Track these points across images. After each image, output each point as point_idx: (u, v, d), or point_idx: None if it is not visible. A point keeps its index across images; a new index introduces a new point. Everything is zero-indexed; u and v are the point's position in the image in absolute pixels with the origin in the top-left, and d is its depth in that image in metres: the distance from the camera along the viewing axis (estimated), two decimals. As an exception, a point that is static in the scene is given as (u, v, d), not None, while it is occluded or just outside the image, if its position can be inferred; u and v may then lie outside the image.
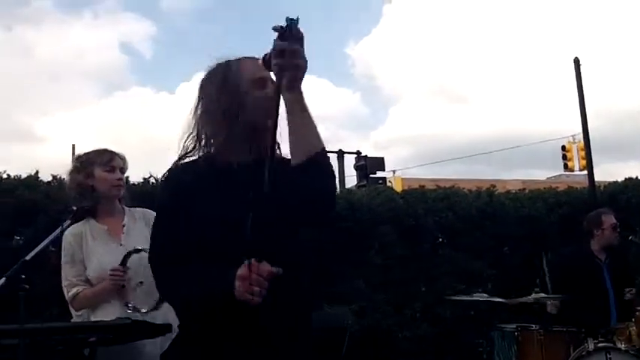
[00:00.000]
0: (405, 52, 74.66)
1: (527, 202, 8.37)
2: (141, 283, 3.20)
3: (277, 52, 1.92)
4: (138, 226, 3.33)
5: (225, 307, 1.90)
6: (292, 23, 1.87)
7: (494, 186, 8.62)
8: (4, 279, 2.64)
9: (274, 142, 1.96)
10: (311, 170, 1.97)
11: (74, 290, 3.24)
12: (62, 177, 6.52)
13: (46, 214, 5.79)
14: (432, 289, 7.16)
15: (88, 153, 3.38)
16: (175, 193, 2.12)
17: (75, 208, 3.11)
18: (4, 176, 6.34)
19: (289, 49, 1.90)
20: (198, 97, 2.20)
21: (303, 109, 1.99)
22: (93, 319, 3.23)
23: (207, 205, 2.03)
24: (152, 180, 6.56)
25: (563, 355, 5.14)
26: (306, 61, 1.94)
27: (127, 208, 3.42)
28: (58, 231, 3.00)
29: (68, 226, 3.09)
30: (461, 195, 8.18)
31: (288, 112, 1.97)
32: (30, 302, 2.57)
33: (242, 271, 1.85)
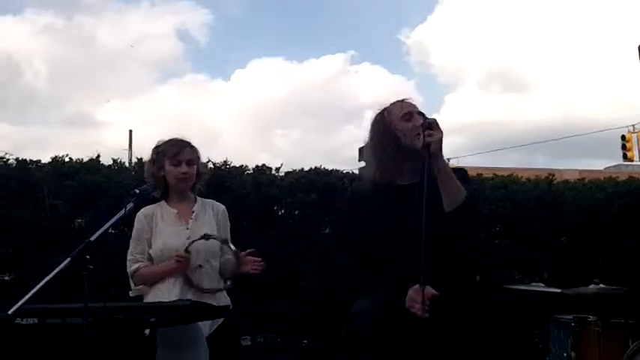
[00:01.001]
0: (461, 40, 73.77)
1: (587, 192, 8.20)
2: (200, 266, 3.37)
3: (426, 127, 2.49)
4: (207, 215, 3.50)
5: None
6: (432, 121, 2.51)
7: (552, 175, 8.46)
8: (68, 259, 2.69)
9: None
10: (457, 216, 2.52)
11: (136, 266, 3.45)
12: (122, 161, 6.70)
13: (107, 197, 5.93)
14: (488, 278, 7.09)
15: (161, 145, 3.53)
16: (352, 211, 2.86)
17: (137, 191, 3.17)
18: (67, 160, 6.49)
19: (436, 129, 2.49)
20: (369, 134, 2.84)
21: (446, 171, 2.53)
22: (151, 294, 3.41)
23: (376, 220, 2.65)
24: (210, 165, 6.63)
25: (621, 348, 5.06)
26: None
27: (199, 198, 3.58)
28: (121, 213, 3.06)
29: (131, 210, 3.15)
30: (519, 184, 8.07)
31: (437, 175, 2.49)
32: (91, 282, 2.63)
33: (413, 293, 2.46)
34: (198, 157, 3.55)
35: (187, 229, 3.43)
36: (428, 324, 2.39)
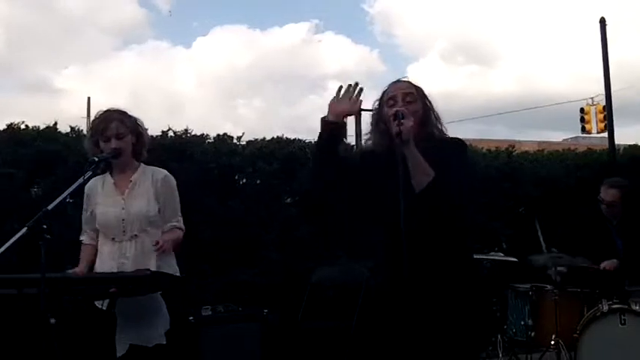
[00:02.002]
0: (425, 11, 73.76)
1: (546, 164, 8.32)
2: (135, 236, 3.37)
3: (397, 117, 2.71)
4: (145, 184, 3.47)
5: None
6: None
7: (512, 147, 8.55)
8: (25, 229, 2.65)
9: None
10: (426, 196, 2.70)
11: (81, 238, 3.59)
12: (80, 128, 6.57)
13: (64, 166, 5.82)
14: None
15: (92, 122, 3.54)
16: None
17: (96, 159, 3.15)
18: (23, 127, 6.34)
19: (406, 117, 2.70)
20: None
21: (414, 157, 2.70)
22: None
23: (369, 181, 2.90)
24: (170, 133, 6.56)
25: (576, 316, 5.14)
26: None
27: (143, 166, 3.55)
28: (79, 182, 3.02)
29: (89, 178, 3.11)
30: (479, 155, 8.14)
31: (407, 160, 2.68)
32: (47, 252, 2.59)
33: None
34: (135, 126, 3.51)
35: (123, 199, 3.43)
36: (414, 296, 2.51)
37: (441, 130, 2.98)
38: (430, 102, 2.98)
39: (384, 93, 3.01)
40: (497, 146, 8.76)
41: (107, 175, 3.50)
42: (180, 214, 3.53)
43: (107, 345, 3.06)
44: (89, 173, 3.10)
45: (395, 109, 2.77)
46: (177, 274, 3.41)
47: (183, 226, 3.51)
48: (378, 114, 2.98)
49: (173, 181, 3.56)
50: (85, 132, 6.56)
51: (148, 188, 3.46)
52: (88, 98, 29.24)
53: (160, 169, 3.57)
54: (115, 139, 3.38)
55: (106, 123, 3.41)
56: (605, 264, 5.28)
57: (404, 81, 3.02)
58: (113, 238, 3.39)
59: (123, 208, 3.39)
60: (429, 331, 2.76)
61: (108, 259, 3.37)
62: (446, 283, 2.78)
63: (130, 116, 3.50)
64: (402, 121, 2.66)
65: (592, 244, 5.54)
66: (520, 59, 74.59)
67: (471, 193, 3.03)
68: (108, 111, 3.48)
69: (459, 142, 3.02)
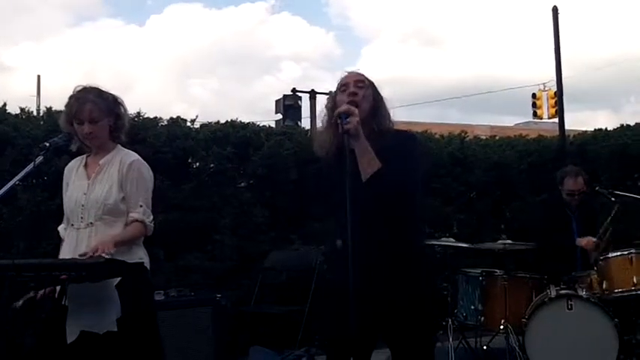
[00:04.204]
0: (380, -7, 73.74)
1: (498, 149, 8.44)
2: (91, 224, 3.22)
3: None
4: (111, 169, 3.30)
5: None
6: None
7: (465, 132, 8.65)
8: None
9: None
10: (372, 185, 2.80)
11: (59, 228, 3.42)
12: (30, 110, 6.43)
13: (14, 148, 5.69)
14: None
15: (68, 99, 3.29)
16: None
17: (47, 144, 3.06)
18: (-30, 107, 6.17)
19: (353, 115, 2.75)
20: None
21: (361, 149, 2.79)
22: None
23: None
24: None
25: (525, 301, 5.26)
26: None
27: (118, 149, 3.38)
28: (29, 167, 2.96)
29: (40, 163, 3.04)
30: (432, 140, 8.21)
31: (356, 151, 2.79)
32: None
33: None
34: (112, 106, 3.31)
35: (88, 183, 3.28)
36: (361, 283, 2.50)
37: (390, 121, 3.05)
38: (380, 95, 3.06)
39: (338, 82, 3.08)
40: (450, 131, 8.84)
41: (84, 157, 3.37)
42: (144, 203, 3.29)
43: (57, 332, 3.01)
44: (40, 158, 3.02)
45: (338, 110, 2.82)
46: (143, 261, 3.25)
47: (144, 218, 3.27)
48: (333, 101, 3.05)
49: (142, 167, 3.35)
50: (34, 112, 6.43)
51: (113, 174, 3.27)
52: (38, 76, 28.75)
53: (132, 153, 3.37)
54: (89, 123, 3.21)
55: (79, 105, 3.21)
56: (582, 242, 5.41)
57: (356, 71, 3.10)
58: (72, 224, 3.26)
59: (84, 193, 3.24)
60: (379, 318, 2.84)
61: (66, 247, 3.27)
62: (393, 269, 2.86)
63: (108, 97, 3.30)
64: (347, 119, 2.74)
65: (547, 229, 5.68)
66: (475, 44, 75.29)
67: (421, 183, 3.08)
68: (84, 90, 3.27)
69: (409, 136, 3.15)
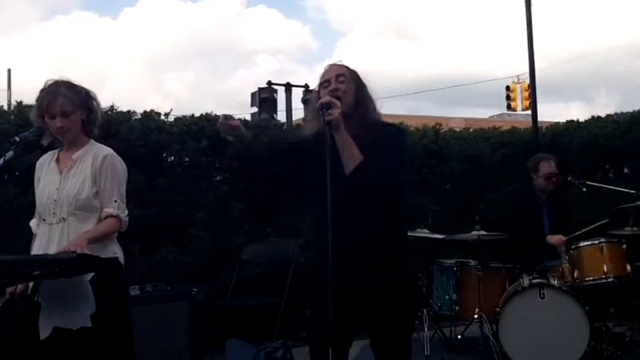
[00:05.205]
0: (355, -15, 73.71)
1: (472, 141, 8.50)
2: (63, 219, 3.19)
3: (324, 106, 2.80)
4: (84, 164, 3.27)
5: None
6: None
7: (439, 124, 8.70)
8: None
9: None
10: (355, 177, 2.83)
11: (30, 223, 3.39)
12: (0, 104, 6.36)
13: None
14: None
15: (39, 92, 3.25)
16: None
17: (17, 139, 3.04)
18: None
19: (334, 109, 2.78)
20: None
21: (343, 142, 2.80)
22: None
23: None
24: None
25: (499, 291, 5.33)
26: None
27: (91, 143, 3.35)
28: (-1, 162, 2.94)
29: (10, 158, 3.02)
30: (408, 133, 8.24)
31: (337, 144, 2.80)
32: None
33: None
34: (85, 100, 3.28)
35: (61, 178, 3.25)
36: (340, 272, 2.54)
37: (375, 111, 3.08)
38: (364, 84, 3.06)
39: (320, 76, 3.12)
40: (425, 123, 8.88)
41: (56, 152, 3.35)
42: (118, 198, 3.26)
43: (30, 328, 2.99)
44: (10, 153, 3.00)
45: (320, 101, 2.85)
46: (117, 256, 3.24)
47: (119, 212, 3.24)
48: (317, 97, 3.06)
49: (116, 161, 3.31)
50: (5, 107, 6.37)
51: (86, 168, 3.24)
52: (9, 70, 28.45)
53: (105, 148, 3.34)
54: (61, 117, 3.18)
55: (50, 98, 3.17)
56: (553, 239, 5.47)
57: (338, 64, 3.12)
58: (45, 220, 3.23)
59: (57, 189, 3.21)
60: (363, 307, 2.90)
61: (38, 242, 3.24)
62: (378, 259, 2.91)
63: (80, 90, 3.27)
64: (329, 111, 2.76)
65: (518, 218, 5.73)
66: (450, 37, 75.57)
67: (405, 176, 3.11)
68: (55, 84, 3.23)
69: (398, 129, 3.19)
